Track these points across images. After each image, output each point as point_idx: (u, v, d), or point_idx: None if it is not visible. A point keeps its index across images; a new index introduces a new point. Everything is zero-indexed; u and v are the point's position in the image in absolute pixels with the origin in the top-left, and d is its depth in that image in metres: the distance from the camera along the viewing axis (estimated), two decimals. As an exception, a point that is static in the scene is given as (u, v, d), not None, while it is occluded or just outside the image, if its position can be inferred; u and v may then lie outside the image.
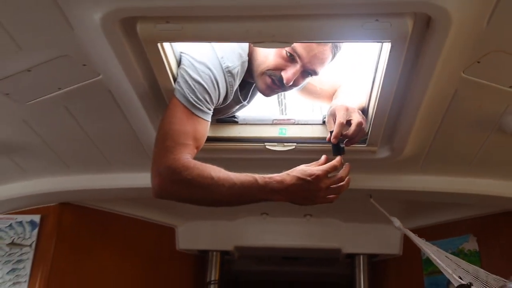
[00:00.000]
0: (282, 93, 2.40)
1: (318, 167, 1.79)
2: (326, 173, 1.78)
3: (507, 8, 1.45)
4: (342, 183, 1.83)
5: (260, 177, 1.74)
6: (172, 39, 1.68)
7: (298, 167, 1.80)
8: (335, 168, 1.81)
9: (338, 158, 1.87)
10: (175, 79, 1.86)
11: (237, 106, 2.18)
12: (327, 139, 2.03)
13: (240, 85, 2.05)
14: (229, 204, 1.86)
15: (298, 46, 1.88)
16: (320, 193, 1.79)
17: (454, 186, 2.59)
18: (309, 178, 1.76)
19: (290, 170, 1.79)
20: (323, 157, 1.86)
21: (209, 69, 1.82)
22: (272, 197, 1.77)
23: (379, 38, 1.60)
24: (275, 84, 1.97)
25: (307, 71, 1.96)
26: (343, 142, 1.99)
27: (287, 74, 1.92)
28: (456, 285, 1.98)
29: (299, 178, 1.75)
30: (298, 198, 1.80)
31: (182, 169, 1.70)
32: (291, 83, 1.95)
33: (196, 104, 1.80)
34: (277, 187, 1.74)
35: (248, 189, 1.73)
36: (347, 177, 1.84)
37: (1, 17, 1.56)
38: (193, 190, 1.72)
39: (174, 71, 1.85)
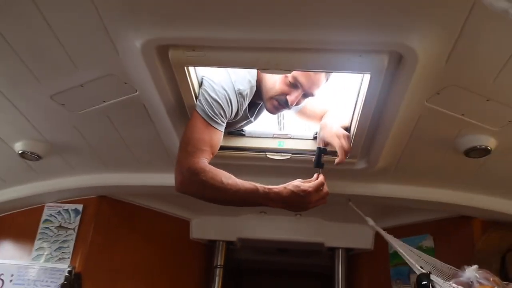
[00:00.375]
0: (281, 113, 2.43)
1: (310, 184, 1.80)
2: (316, 189, 1.80)
3: (462, 51, 1.48)
4: (326, 199, 1.86)
5: (261, 186, 1.76)
6: (197, 63, 1.70)
7: (294, 181, 1.81)
8: (322, 185, 1.83)
9: (322, 177, 1.87)
10: (196, 97, 1.88)
11: (245, 122, 2.20)
12: (335, 163, 2.05)
13: (248, 105, 2.07)
14: (234, 205, 1.90)
15: (299, 76, 1.90)
16: (310, 204, 1.81)
17: (417, 194, 2.58)
18: (302, 194, 1.77)
19: (287, 184, 1.80)
20: (315, 175, 1.87)
21: (225, 90, 1.85)
22: (270, 204, 1.78)
23: (362, 70, 1.63)
24: (281, 105, 2.00)
25: (306, 95, 1.98)
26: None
27: (291, 98, 1.94)
28: (418, 273, 1.98)
29: (293, 192, 1.77)
30: (292, 207, 1.81)
31: (199, 171, 1.72)
32: (294, 105, 1.98)
33: (213, 118, 1.82)
34: (274, 198, 1.76)
35: (251, 196, 1.75)
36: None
37: (65, 43, 1.61)
38: (206, 190, 1.74)
39: (196, 90, 1.87)
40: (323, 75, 1.95)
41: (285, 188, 1.78)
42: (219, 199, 1.80)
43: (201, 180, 1.72)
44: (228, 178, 1.75)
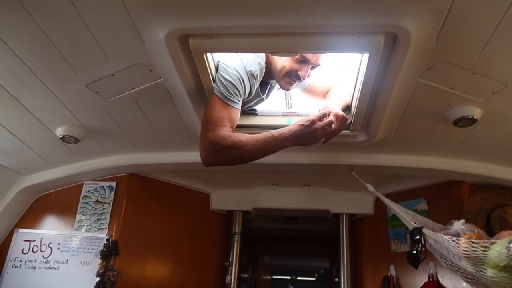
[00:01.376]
0: (289, 93, 2.44)
1: (313, 114, 1.84)
2: (319, 118, 1.82)
3: (450, 30, 1.50)
4: (331, 128, 1.86)
5: (275, 131, 1.81)
6: (214, 50, 1.71)
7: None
8: (324, 115, 1.85)
9: (327, 110, 1.89)
10: (214, 80, 1.90)
11: (258, 99, 2.21)
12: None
13: (260, 84, 2.09)
14: (257, 157, 1.86)
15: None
16: (317, 133, 1.82)
17: (412, 162, 2.60)
18: (307, 123, 1.81)
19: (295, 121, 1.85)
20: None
21: (238, 72, 1.87)
22: (285, 144, 1.81)
23: (360, 50, 1.64)
24: (294, 81, 2.01)
25: (314, 66, 1.99)
26: None
27: (302, 73, 1.95)
28: (411, 228, 2.01)
29: (300, 125, 1.82)
30: (303, 140, 1.83)
31: (220, 140, 1.75)
32: (305, 78, 2.00)
33: (229, 97, 1.85)
34: (287, 134, 1.80)
35: (269, 142, 1.79)
36: (333, 124, 1.87)
37: (98, 38, 1.65)
38: (230, 152, 1.76)
39: (214, 74, 1.90)
40: None
41: (293, 124, 1.83)
42: (244, 156, 1.82)
43: (223, 146, 1.75)
44: (245, 136, 1.79)
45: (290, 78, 2.00)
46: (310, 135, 1.82)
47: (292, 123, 1.84)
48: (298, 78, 1.97)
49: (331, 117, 1.86)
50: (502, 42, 1.54)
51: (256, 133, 2.23)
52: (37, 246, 2.84)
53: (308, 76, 2.03)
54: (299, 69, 1.95)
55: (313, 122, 1.80)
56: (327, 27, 1.52)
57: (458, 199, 2.74)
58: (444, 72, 1.75)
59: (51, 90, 2.01)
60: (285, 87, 2.06)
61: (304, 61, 1.94)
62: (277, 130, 1.81)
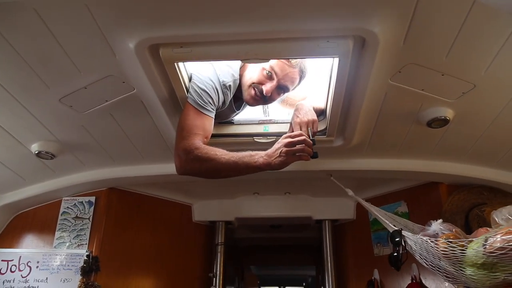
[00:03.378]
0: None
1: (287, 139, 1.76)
2: (289, 136, 1.75)
3: (416, 32, 1.51)
4: (302, 145, 1.74)
5: (253, 151, 1.74)
6: (185, 59, 1.71)
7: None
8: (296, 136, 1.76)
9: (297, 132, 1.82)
10: (187, 90, 1.89)
11: (232, 114, 2.21)
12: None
13: (234, 99, 2.08)
14: (231, 174, 1.77)
15: (274, 66, 1.92)
16: (285, 147, 1.72)
17: (389, 165, 2.61)
18: (279, 140, 1.76)
19: None
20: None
21: (212, 81, 1.87)
22: (260, 162, 1.71)
23: (330, 54, 1.64)
24: (257, 95, 1.99)
25: (280, 87, 1.98)
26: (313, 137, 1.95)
27: (267, 87, 1.95)
28: (391, 231, 2.01)
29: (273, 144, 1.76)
30: (273, 157, 1.72)
31: (194, 149, 1.73)
32: (269, 95, 1.97)
33: (204, 106, 1.84)
34: (263, 154, 1.72)
35: (242, 159, 1.71)
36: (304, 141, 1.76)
37: (68, 51, 1.63)
38: (203, 164, 1.72)
39: (187, 84, 1.89)
40: (296, 71, 1.96)
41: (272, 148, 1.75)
42: (217, 170, 1.74)
43: (197, 156, 1.72)
44: (220, 150, 1.73)
45: (254, 90, 1.99)
46: (279, 150, 1.73)
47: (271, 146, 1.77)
48: (262, 92, 1.96)
49: (299, 133, 1.80)
50: (467, 43, 1.56)
51: (233, 142, 2.27)
52: (15, 265, 2.77)
53: (272, 98, 2.01)
54: (264, 84, 1.95)
55: (283, 138, 1.75)
56: (296, 32, 1.52)
57: (437, 200, 2.76)
58: (414, 74, 1.77)
59: (23, 105, 1.98)
60: (249, 100, 2.03)
61: (271, 77, 1.94)
62: (255, 151, 1.75)
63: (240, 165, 1.71)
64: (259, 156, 1.72)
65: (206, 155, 1.72)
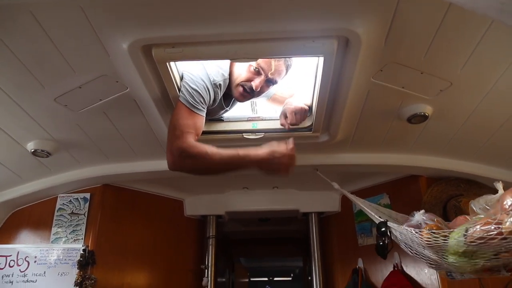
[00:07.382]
0: (254, 99, 2.45)
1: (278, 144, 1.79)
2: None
3: (396, 32, 1.53)
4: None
5: (242, 149, 1.76)
6: (177, 58, 1.70)
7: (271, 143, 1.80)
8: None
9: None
10: (179, 89, 1.89)
11: (222, 111, 2.22)
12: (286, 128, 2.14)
13: (224, 97, 2.09)
14: (221, 171, 1.83)
15: (261, 63, 1.93)
16: (281, 165, 1.76)
17: (372, 160, 2.63)
18: (273, 154, 1.76)
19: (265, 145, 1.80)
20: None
21: (203, 80, 1.87)
22: (249, 166, 1.76)
23: (315, 53, 1.66)
24: (246, 92, 2.01)
25: (269, 80, 1.99)
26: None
27: (255, 82, 1.96)
28: (377, 222, 2.03)
29: (267, 153, 1.76)
30: (269, 169, 1.79)
31: (186, 147, 1.72)
32: (258, 90, 1.99)
33: (195, 105, 1.83)
34: (253, 158, 1.75)
35: (232, 159, 1.74)
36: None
37: (63, 51, 1.62)
38: (194, 161, 1.72)
39: (178, 83, 1.88)
40: (282, 63, 1.97)
41: (262, 150, 1.77)
42: (208, 168, 1.78)
43: (189, 154, 1.72)
44: (212, 148, 1.74)
45: (243, 88, 2.00)
46: (276, 165, 1.77)
47: (262, 146, 1.79)
48: (251, 89, 1.97)
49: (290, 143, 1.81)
50: (444, 43, 1.58)
51: (223, 139, 2.27)
52: (13, 260, 2.75)
53: (261, 91, 2.03)
54: (253, 80, 1.96)
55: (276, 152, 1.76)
56: (282, 33, 1.53)
57: (417, 192, 2.80)
58: (394, 73, 1.79)
59: (19, 105, 1.96)
60: (238, 97, 2.05)
61: (259, 72, 1.96)
62: (244, 149, 1.76)
63: (230, 165, 1.76)
64: (248, 160, 1.75)
65: (198, 154, 1.72)
